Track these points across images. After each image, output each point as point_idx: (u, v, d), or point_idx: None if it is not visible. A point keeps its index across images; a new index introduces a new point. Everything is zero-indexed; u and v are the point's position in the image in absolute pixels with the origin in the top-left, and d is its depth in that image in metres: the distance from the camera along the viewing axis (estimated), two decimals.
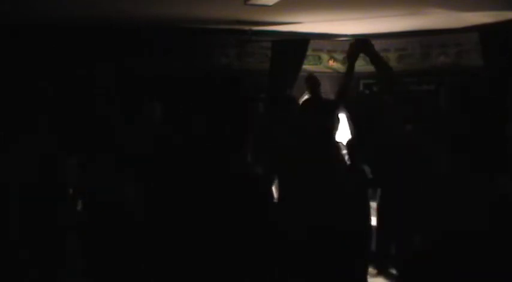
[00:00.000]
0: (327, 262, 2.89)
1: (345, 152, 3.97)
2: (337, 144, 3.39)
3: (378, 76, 3.28)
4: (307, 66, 6.13)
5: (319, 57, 6.38)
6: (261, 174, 3.47)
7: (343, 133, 4.73)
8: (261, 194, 3.29)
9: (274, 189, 3.72)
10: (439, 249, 2.73)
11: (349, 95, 3.46)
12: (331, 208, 2.90)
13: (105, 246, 3.43)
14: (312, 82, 5.49)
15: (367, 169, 4.18)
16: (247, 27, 5.47)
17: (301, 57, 5.93)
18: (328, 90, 6.23)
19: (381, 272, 5.00)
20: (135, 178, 3.51)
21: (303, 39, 5.91)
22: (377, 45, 6.20)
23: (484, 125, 2.86)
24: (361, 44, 3.10)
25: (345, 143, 4.20)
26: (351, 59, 3.22)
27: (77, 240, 3.53)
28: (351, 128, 5.38)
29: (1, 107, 3.67)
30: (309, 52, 6.10)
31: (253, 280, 3.28)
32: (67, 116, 4.78)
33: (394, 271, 4.92)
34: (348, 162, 3.89)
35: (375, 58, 2.99)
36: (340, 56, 6.45)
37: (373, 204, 4.75)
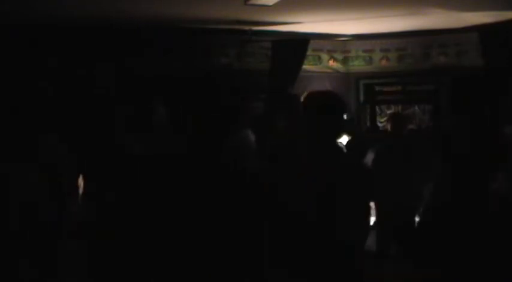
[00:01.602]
0: (325, 261, 2.89)
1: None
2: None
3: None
4: (307, 66, 6.14)
5: (319, 57, 6.38)
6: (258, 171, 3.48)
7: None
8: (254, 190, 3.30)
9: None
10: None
11: None
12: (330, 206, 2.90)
13: (106, 247, 3.43)
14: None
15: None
16: (247, 27, 5.47)
17: (301, 57, 5.93)
18: None
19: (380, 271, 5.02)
20: (137, 178, 3.51)
21: (303, 39, 5.91)
22: (377, 45, 6.33)
23: (483, 125, 2.87)
24: None
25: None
26: None
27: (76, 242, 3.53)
28: None
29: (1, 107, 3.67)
30: (309, 52, 6.10)
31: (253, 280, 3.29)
32: (67, 116, 4.79)
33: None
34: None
35: None
36: (340, 56, 6.46)
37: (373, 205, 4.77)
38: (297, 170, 2.98)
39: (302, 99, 4.54)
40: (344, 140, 4.61)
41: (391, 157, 4.96)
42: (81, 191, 3.87)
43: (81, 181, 4.09)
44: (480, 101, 2.87)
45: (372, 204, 4.63)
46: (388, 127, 5.36)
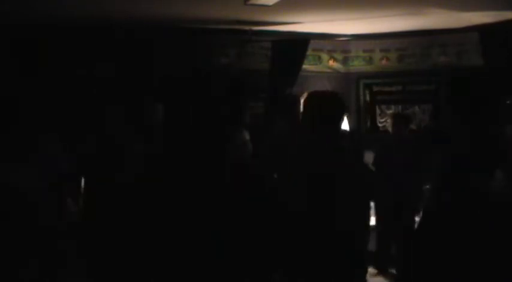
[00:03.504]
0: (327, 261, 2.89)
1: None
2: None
3: None
4: (307, 66, 6.14)
5: (319, 57, 6.38)
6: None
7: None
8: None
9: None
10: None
11: None
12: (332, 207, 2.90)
13: (106, 247, 3.43)
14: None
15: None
16: (247, 27, 5.47)
17: (301, 57, 5.93)
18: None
19: (381, 272, 5.02)
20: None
21: (303, 39, 5.91)
22: (377, 45, 6.33)
23: (483, 125, 2.86)
24: None
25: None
26: None
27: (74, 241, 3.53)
28: None
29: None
30: (309, 52, 6.10)
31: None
32: (67, 116, 4.79)
33: (394, 271, 4.94)
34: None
35: None
36: (340, 56, 6.46)
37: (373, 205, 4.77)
38: (297, 170, 2.98)
39: (303, 99, 4.55)
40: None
41: (392, 157, 4.96)
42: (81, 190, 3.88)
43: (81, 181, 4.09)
44: (480, 101, 2.87)
45: (372, 204, 4.63)
46: (389, 127, 5.36)
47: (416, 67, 6.22)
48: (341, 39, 6.23)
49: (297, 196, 2.93)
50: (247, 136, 4.41)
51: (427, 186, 4.49)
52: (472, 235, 2.66)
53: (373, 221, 4.69)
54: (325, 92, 3.26)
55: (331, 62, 6.43)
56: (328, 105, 2.95)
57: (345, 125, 5.14)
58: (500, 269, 2.62)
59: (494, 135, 2.89)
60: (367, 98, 6.47)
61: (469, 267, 2.66)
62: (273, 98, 5.66)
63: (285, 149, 3.31)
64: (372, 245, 4.54)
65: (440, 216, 2.81)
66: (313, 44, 6.08)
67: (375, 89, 6.44)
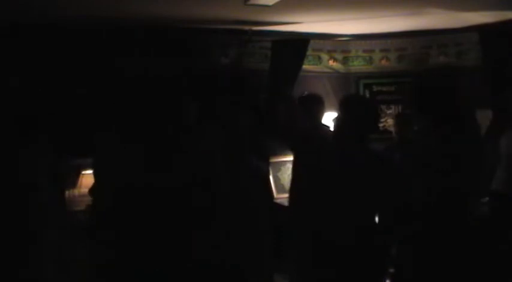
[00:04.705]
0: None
1: None
2: None
3: None
4: (307, 66, 6.14)
5: (319, 57, 6.38)
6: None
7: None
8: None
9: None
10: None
11: None
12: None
13: (108, 247, 3.42)
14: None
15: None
16: (247, 27, 5.47)
17: (301, 57, 5.93)
18: (328, 90, 6.25)
19: None
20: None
21: (303, 39, 5.91)
22: (377, 45, 6.33)
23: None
24: None
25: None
26: None
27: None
28: None
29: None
30: (309, 52, 6.10)
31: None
32: (67, 117, 4.79)
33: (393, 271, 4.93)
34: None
35: None
36: (340, 56, 6.46)
37: None
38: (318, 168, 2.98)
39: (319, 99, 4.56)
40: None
41: (400, 160, 4.92)
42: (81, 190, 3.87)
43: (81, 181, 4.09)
44: (480, 101, 2.87)
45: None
46: (394, 129, 5.31)
47: (416, 67, 6.23)
48: (341, 39, 6.24)
49: (317, 192, 2.95)
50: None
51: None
52: (473, 235, 2.67)
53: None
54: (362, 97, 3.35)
55: (331, 62, 6.43)
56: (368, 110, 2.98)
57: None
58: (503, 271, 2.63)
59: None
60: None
61: (470, 267, 2.67)
62: (273, 98, 5.66)
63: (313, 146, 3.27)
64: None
65: (441, 217, 2.82)
66: (313, 44, 6.08)
67: (375, 89, 6.45)
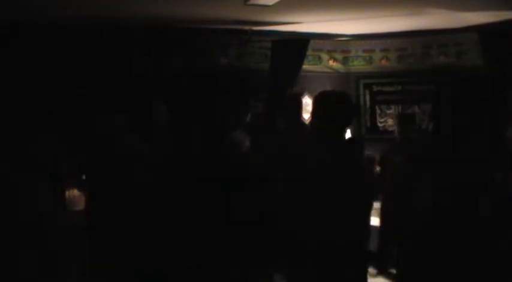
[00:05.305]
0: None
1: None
2: None
3: None
4: (307, 66, 6.14)
5: (319, 57, 6.38)
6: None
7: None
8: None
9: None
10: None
11: None
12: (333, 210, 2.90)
13: (107, 246, 3.43)
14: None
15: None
16: (247, 27, 5.47)
17: (301, 57, 5.93)
18: None
19: (381, 272, 5.01)
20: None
21: (303, 39, 5.91)
22: (377, 45, 6.33)
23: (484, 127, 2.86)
24: None
25: None
26: None
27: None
28: None
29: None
30: (309, 52, 6.10)
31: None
32: (66, 117, 4.79)
33: (394, 271, 4.93)
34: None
35: None
36: (340, 56, 6.46)
37: (376, 205, 4.76)
38: (300, 169, 2.98)
39: (311, 98, 4.56)
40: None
41: (401, 159, 4.91)
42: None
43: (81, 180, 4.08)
44: (480, 101, 2.87)
45: (376, 204, 4.62)
46: (396, 129, 5.31)
47: (416, 67, 6.23)
48: (341, 39, 6.24)
49: (299, 193, 2.94)
50: (245, 136, 4.41)
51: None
52: (473, 236, 2.66)
53: (375, 221, 4.68)
54: (336, 92, 3.29)
55: (331, 62, 6.44)
56: (340, 105, 2.96)
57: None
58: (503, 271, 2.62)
59: (494, 136, 2.89)
60: (367, 98, 6.48)
61: (470, 268, 2.67)
62: (273, 98, 5.66)
63: (288, 148, 3.31)
64: (372, 245, 4.54)
65: (441, 218, 2.81)
66: (313, 44, 6.08)
67: (375, 89, 6.45)
